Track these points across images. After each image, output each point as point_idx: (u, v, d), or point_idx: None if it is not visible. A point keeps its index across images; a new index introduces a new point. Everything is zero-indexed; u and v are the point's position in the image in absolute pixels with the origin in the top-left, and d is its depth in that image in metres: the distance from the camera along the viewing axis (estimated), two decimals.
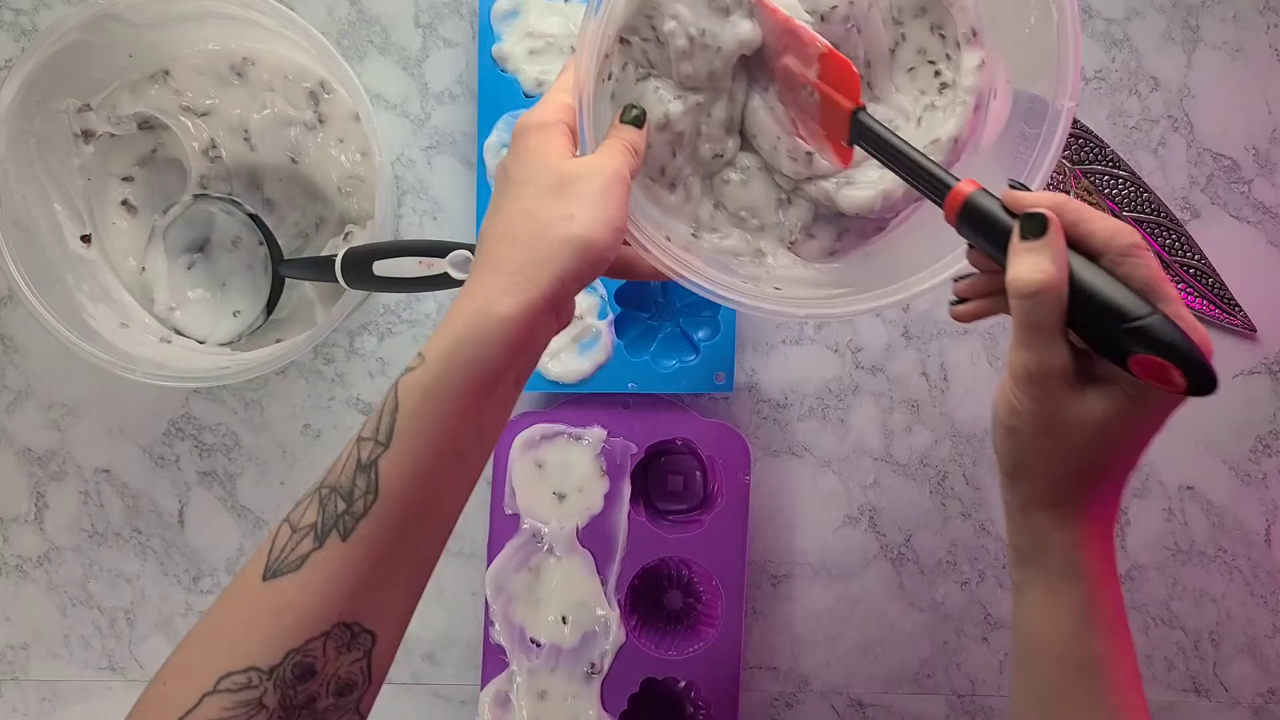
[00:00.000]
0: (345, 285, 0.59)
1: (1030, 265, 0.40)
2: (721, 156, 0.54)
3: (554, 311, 0.43)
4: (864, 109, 0.49)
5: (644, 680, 0.69)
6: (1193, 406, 0.75)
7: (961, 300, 0.47)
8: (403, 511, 0.40)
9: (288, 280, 0.69)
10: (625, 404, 0.70)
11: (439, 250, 0.56)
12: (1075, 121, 0.73)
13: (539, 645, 0.68)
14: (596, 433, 0.69)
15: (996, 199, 0.43)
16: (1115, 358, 0.39)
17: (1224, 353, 0.74)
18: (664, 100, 0.52)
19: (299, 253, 0.70)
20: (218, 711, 0.37)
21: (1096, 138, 0.73)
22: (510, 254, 0.42)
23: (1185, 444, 0.74)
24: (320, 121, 0.70)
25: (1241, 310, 0.73)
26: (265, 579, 0.39)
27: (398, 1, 0.73)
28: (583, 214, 0.42)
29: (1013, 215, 0.42)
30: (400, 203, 0.74)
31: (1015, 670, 0.44)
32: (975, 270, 0.46)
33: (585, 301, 0.69)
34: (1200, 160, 0.74)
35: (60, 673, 0.74)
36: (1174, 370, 0.38)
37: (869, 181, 0.54)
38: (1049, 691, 0.43)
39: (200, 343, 0.69)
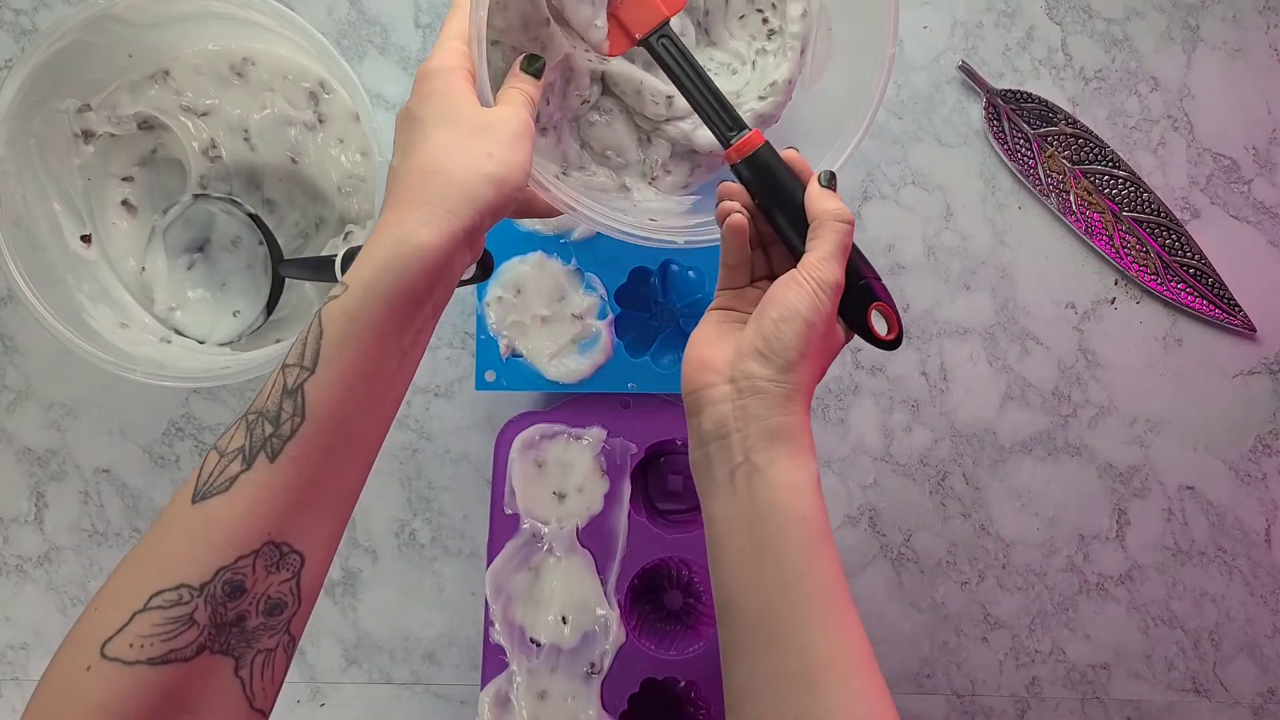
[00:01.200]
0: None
1: (840, 205, 0.49)
2: (588, 102, 0.58)
3: (469, 243, 0.45)
4: (666, 23, 0.54)
5: (644, 680, 0.69)
6: (1193, 407, 0.75)
7: (733, 211, 0.52)
8: (329, 434, 0.41)
9: (288, 280, 0.69)
10: (625, 404, 0.70)
11: None
12: (1075, 121, 0.73)
13: (539, 645, 0.68)
14: (596, 433, 0.69)
15: (777, 153, 0.51)
16: (854, 303, 0.50)
17: (1224, 353, 0.74)
18: (550, 50, 0.55)
19: (299, 253, 0.70)
20: (149, 628, 0.37)
21: (1096, 138, 0.73)
22: (430, 188, 0.44)
23: (1185, 444, 0.74)
24: (320, 121, 0.70)
25: (1241, 310, 0.73)
26: (195, 501, 0.40)
27: (398, 1, 0.73)
28: (500, 154, 0.46)
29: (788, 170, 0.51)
30: None
31: (740, 546, 0.47)
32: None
33: (585, 301, 0.69)
34: (1200, 160, 0.74)
35: None
36: (893, 315, 0.50)
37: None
38: (792, 550, 0.45)
39: (200, 343, 0.69)
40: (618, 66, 0.58)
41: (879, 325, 0.51)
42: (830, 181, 0.50)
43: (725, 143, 0.51)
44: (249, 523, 0.39)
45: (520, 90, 0.50)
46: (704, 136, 0.59)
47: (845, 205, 0.49)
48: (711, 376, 0.48)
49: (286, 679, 0.75)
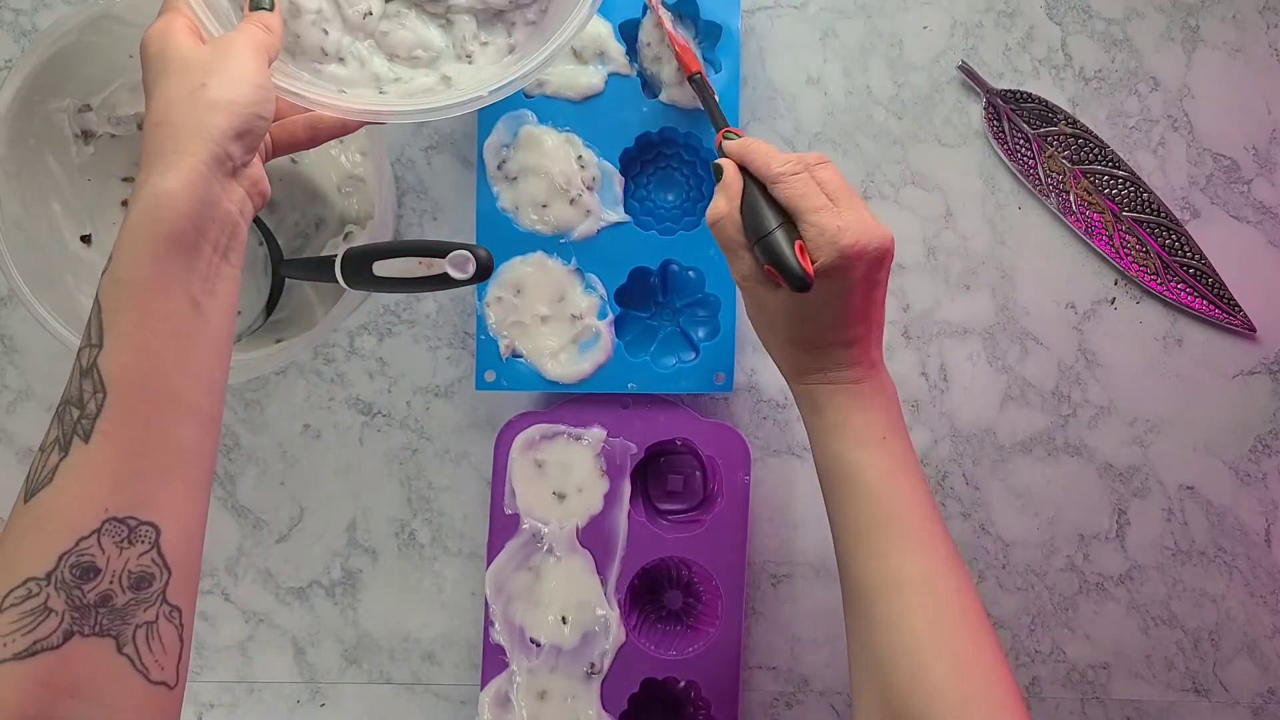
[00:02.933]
0: (345, 285, 0.59)
1: (713, 204, 0.54)
2: (372, 13, 0.57)
3: (226, 174, 0.45)
4: (699, 74, 0.66)
5: (644, 680, 0.69)
6: (1193, 407, 0.75)
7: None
8: (137, 399, 0.41)
9: (288, 280, 0.69)
10: (625, 404, 0.70)
11: (439, 250, 0.56)
12: (1075, 121, 0.73)
13: (539, 645, 0.68)
14: (596, 433, 0.69)
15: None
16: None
17: (1224, 352, 0.74)
18: None
19: (299, 253, 0.70)
20: (8, 626, 0.38)
21: (1096, 138, 0.73)
22: (160, 138, 0.44)
23: (1185, 444, 0.74)
24: None
25: (1241, 310, 0.73)
26: (26, 501, 0.40)
27: None
28: (214, 80, 0.45)
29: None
30: (400, 203, 0.74)
31: (823, 496, 0.55)
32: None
33: (585, 301, 0.69)
34: (1200, 160, 0.74)
35: None
36: (777, 275, 0.51)
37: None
38: (830, 500, 0.56)
39: None
40: None
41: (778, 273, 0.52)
42: (717, 177, 0.55)
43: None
44: (81, 504, 0.40)
45: (243, 23, 0.50)
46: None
47: (723, 197, 0.54)
48: None
49: (287, 679, 0.75)
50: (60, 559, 0.39)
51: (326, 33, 0.54)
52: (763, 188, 0.53)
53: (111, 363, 0.41)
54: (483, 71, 0.58)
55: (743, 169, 0.55)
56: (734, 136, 0.57)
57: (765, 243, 0.51)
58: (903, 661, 0.47)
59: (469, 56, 0.58)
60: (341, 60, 0.55)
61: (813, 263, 0.51)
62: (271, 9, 0.51)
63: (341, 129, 0.56)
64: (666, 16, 0.68)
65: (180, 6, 0.49)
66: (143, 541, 0.40)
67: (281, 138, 0.55)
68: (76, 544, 0.39)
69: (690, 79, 0.66)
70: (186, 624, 0.42)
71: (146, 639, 0.40)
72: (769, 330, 0.55)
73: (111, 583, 0.39)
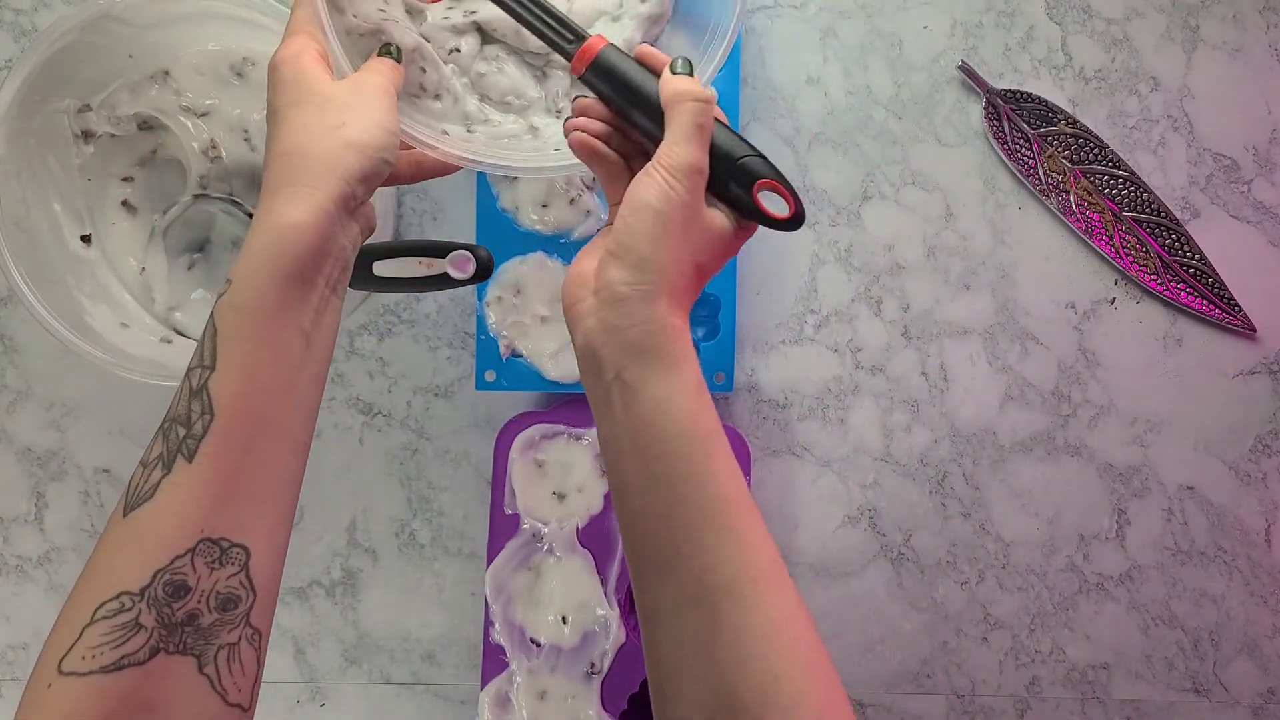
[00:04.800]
0: None
1: (692, 83, 0.47)
2: (460, 50, 0.58)
3: (347, 213, 0.45)
4: None
5: (644, 680, 0.69)
6: (1193, 407, 0.75)
7: (582, 131, 0.50)
8: (242, 425, 0.42)
9: None
10: None
11: (439, 250, 0.56)
12: (1075, 121, 0.73)
13: (539, 645, 0.68)
14: (596, 433, 0.69)
15: (626, 54, 0.49)
16: (730, 187, 0.48)
17: (1224, 353, 0.74)
18: (401, 27, 0.54)
19: None
20: (98, 639, 0.38)
21: (1096, 138, 0.73)
22: (291, 169, 0.44)
23: (1185, 444, 0.74)
24: None
25: (1241, 310, 0.73)
26: (125, 515, 0.40)
27: None
28: (353, 120, 0.46)
29: (642, 65, 0.49)
30: (400, 203, 0.74)
31: (627, 469, 0.45)
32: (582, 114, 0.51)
33: None
34: (1200, 160, 0.74)
35: None
36: (785, 195, 0.47)
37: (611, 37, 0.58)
38: (677, 469, 0.44)
39: None
40: (487, 12, 0.57)
41: (771, 205, 0.47)
42: (686, 68, 0.48)
43: (567, 57, 0.50)
44: (178, 523, 0.40)
45: (374, 63, 0.50)
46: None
47: (704, 88, 0.47)
48: (580, 291, 0.46)
49: (287, 679, 0.75)
50: (155, 575, 0.39)
51: (424, 71, 0.55)
52: None
53: (222, 387, 0.42)
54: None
55: None
56: (682, 67, 0.49)
57: (762, 163, 0.48)
58: (753, 668, 0.41)
59: (559, 112, 0.60)
60: (438, 96, 0.57)
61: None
62: (399, 61, 0.52)
63: (443, 170, 0.56)
64: None
65: (313, 33, 0.49)
66: (233, 563, 0.41)
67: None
68: (171, 562, 0.39)
69: None
70: (264, 648, 0.42)
71: (228, 660, 0.40)
72: (681, 238, 0.46)
73: (199, 602, 0.40)
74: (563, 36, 0.51)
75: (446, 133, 0.55)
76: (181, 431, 0.41)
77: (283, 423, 0.43)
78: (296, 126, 0.45)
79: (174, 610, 0.39)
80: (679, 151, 0.46)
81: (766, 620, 0.42)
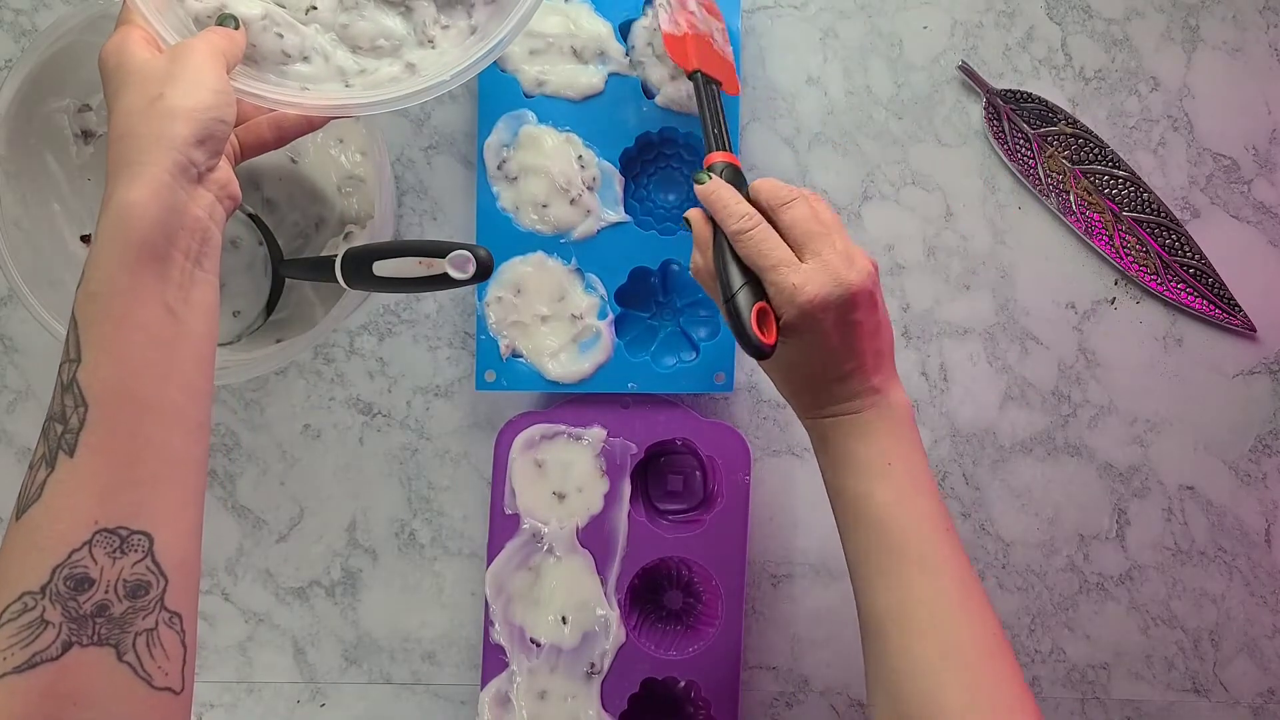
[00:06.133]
0: (345, 285, 0.59)
1: (692, 257, 0.57)
2: (316, 8, 0.57)
3: (191, 181, 0.45)
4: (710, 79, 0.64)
5: (644, 680, 0.69)
6: (1193, 407, 0.75)
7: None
8: (118, 411, 0.41)
9: (288, 280, 0.69)
10: (625, 404, 0.70)
11: (439, 250, 0.56)
12: (1075, 121, 0.73)
13: (539, 645, 0.68)
14: (596, 433, 0.69)
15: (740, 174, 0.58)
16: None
17: (1224, 352, 0.74)
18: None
19: (299, 253, 0.70)
20: (5, 641, 0.38)
21: (1096, 138, 0.73)
22: (123, 150, 0.44)
23: (1185, 444, 0.74)
24: None
25: (1241, 310, 0.73)
26: (17, 519, 0.41)
27: None
28: (171, 88, 0.45)
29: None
30: (400, 203, 0.74)
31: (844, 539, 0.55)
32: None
33: (585, 301, 0.69)
34: (1200, 160, 0.74)
35: None
36: (773, 323, 0.52)
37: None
38: (843, 529, 0.56)
39: None
40: None
41: (761, 326, 0.51)
42: (686, 225, 0.57)
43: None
44: (70, 517, 0.40)
45: (203, 33, 0.49)
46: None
47: (696, 250, 0.56)
48: None
49: (287, 679, 0.75)
50: (53, 572, 0.39)
51: (281, 36, 0.54)
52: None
53: (91, 376, 0.41)
54: (446, 55, 0.58)
55: None
56: (705, 178, 0.56)
57: (728, 308, 0.52)
58: (914, 688, 0.48)
59: (431, 42, 0.58)
60: (306, 59, 0.56)
61: (778, 319, 0.52)
62: (236, 28, 0.51)
63: (308, 126, 0.56)
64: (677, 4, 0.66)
65: (135, 19, 0.49)
66: (136, 550, 0.41)
67: (249, 139, 0.55)
68: (69, 556, 0.39)
69: (691, 76, 0.63)
70: (189, 629, 0.42)
71: (148, 646, 0.40)
72: (770, 373, 0.56)
73: (107, 592, 0.40)
74: (710, 140, 0.60)
75: (307, 87, 0.55)
76: (59, 428, 0.41)
77: (165, 402, 0.43)
78: (122, 110, 0.45)
79: (80, 603, 0.39)
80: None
81: (925, 645, 0.49)
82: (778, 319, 0.52)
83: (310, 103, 0.52)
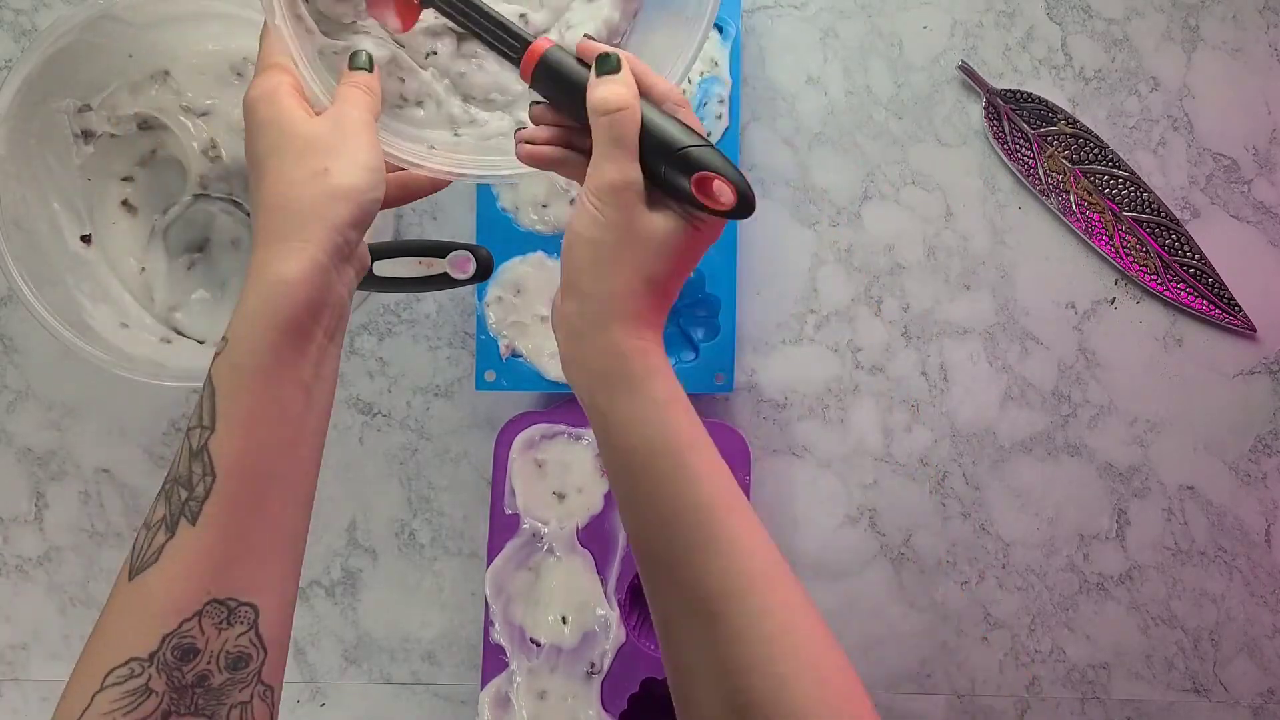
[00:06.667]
0: None
1: (610, 90, 0.45)
2: (436, 53, 0.56)
3: (342, 261, 0.44)
4: None
5: (644, 680, 0.69)
6: (1193, 407, 0.75)
7: (530, 143, 0.49)
8: (245, 485, 0.41)
9: None
10: None
11: (439, 250, 0.56)
12: (1075, 121, 0.73)
13: (539, 645, 0.68)
14: None
15: (569, 53, 0.47)
16: (674, 182, 0.45)
17: (1224, 352, 0.74)
18: (374, 39, 0.53)
19: None
20: (109, 705, 0.38)
21: (1096, 137, 0.73)
22: (280, 223, 0.43)
23: (1185, 444, 0.74)
24: None
25: (1241, 310, 0.73)
26: (131, 579, 0.41)
27: None
28: (335, 165, 0.44)
29: (585, 64, 0.46)
30: None
31: (617, 489, 0.46)
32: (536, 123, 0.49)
33: None
34: (1200, 160, 0.74)
35: (60, 673, 0.74)
36: (726, 184, 0.44)
37: (584, 21, 0.56)
38: (655, 486, 0.44)
39: (200, 343, 0.69)
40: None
41: (718, 195, 0.44)
42: (610, 66, 0.45)
43: (516, 66, 0.48)
44: (185, 586, 0.40)
45: (349, 88, 0.48)
46: (575, 35, 0.55)
47: (622, 84, 0.44)
48: (556, 327, 0.47)
49: (287, 679, 0.75)
50: (164, 640, 0.39)
51: (403, 80, 0.54)
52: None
53: (222, 448, 0.41)
54: None
55: None
56: (614, 58, 0.46)
57: (702, 152, 0.44)
58: (759, 674, 0.41)
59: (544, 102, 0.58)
60: (420, 104, 0.55)
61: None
62: (371, 69, 0.49)
63: (432, 187, 0.54)
64: None
65: (285, 65, 0.47)
66: (242, 622, 0.41)
67: None
68: (180, 625, 0.39)
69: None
70: (276, 702, 0.42)
71: (240, 718, 0.40)
72: (617, 254, 0.45)
73: (209, 663, 0.40)
74: (507, 44, 0.49)
75: (433, 147, 0.54)
76: (184, 494, 0.41)
77: (286, 479, 0.43)
78: (280, 177, 0.44)
79: (184, 673, 0.39)
80: (599, 171, 0.44)
81: (768, 625, 0.42)
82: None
83: (436, 167, 0.50)
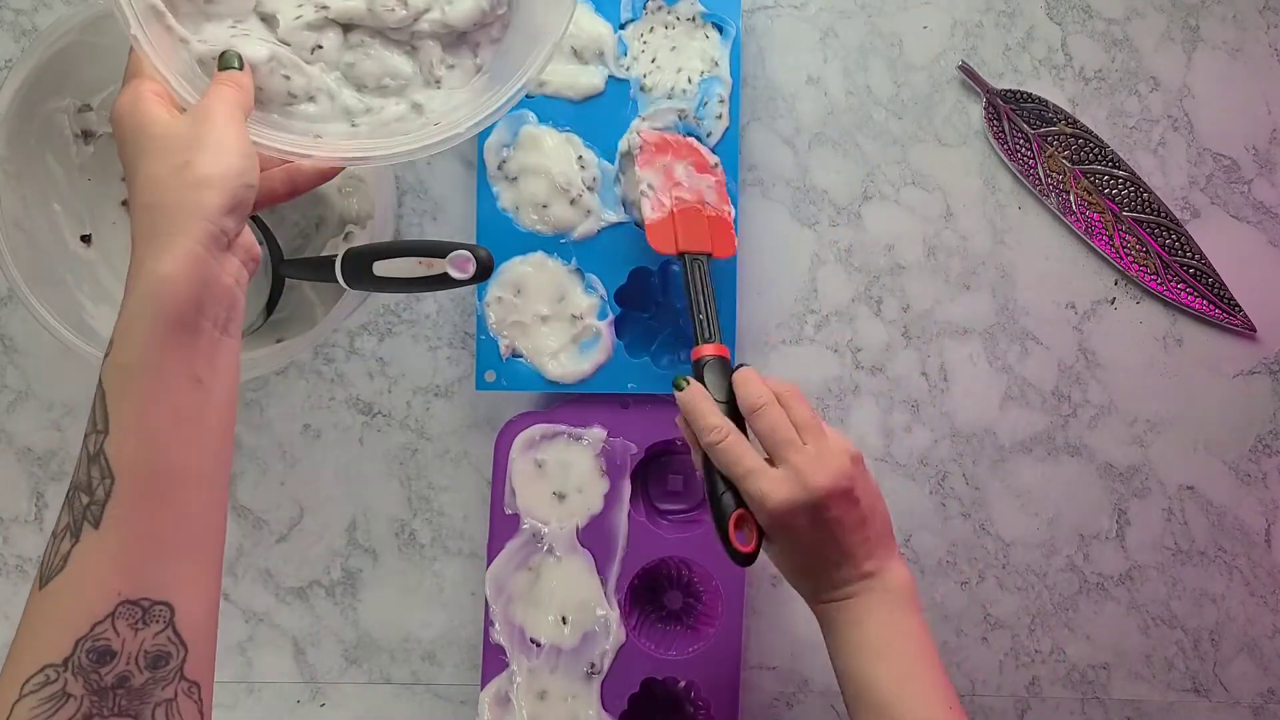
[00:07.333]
0: (345, 285, 0.59)
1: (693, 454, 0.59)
2: (321, 47, 0.56)
3: (220, 251, 0.44)
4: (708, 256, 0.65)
5: (644, 680, 0.69)
6: (1193, 407, 0.75)
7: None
8: (146, 484, 0.41)
9: (288, 280, 0.69)
10: (625, 404, 0.70)
11: (439, 250, 0.56)
12: (1075, 121, 0.73)
13: (539, 645, 0.68)
14: (596, 433, 0.69)
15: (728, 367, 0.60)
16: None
17: (1224, 352, 0.74)
18: (253, 40, 0.52)
19: (299, 253, 0.70)
20: (27, 713, 0.38)
21: (1096, 138, 0.73)
22: (152, 220, 0.43)
23: (1185, 444, 0.74)
24: None
25: (1241, 310, 0.73)
26: (41, 588, 0.41)
27: None
28: (198, 156, 0.44)
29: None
30: (400, 203, 0.74)
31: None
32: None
33: (585, 302, 0.69)
34: (1200, 160, 0.74)
35: None
36: (756, 532, 0.55)
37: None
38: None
39: None
40: (339, 3, 0.55)
41: (739, 537, 0.54)
42: (689, 384, 0.59)
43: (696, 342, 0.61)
44: (94, 590, 0.40)
45: (215, 85, 0.48)
46: (457, 12, 0.57)
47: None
48: None
49: (287, 679, 0.75)
50: (76, 644, 0.39)
51: (288, 78, 0.53)
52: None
53: (117, 449, 0.41)
54: (454, 96, 0.58)
55: None
56: (683, 384, 0.58)
57: (713, 512, 0.55)
58: None
59: (437, 81, 0.58)
60: (312, 99, 0.55)
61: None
62: (241, 68, 0.49)
63: (320, 177, 0.55)
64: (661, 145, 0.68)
65: (148, 72, 0.47)
66: (157, 621, 0.41)
67: (261, 192, 0.53)
68: (91, 629, 0.40)
69: (682, 259, 0.65)
70: (206, 699, 0.42)
71: (166, 716, 0.41)
72: (774, 564, 0.58)
73: (128, 664, 0.40)
74: (700, 329, 0.61)
75: (320, 135, 0.54)
76: (85, 499, 0.41)
77: (191, 473, 0.43)
78: (147, 177, 0.44)
79: (101, 675, 0.39)
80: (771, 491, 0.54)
81: None
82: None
83: (325, 154, 0.51)
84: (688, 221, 0.65)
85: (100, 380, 0.43)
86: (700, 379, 0.58)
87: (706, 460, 0.56)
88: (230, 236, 0.45)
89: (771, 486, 0.53)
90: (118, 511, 0.41)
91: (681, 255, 0.64)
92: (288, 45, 0.54)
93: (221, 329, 0.44)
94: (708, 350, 0.59)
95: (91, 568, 0.40)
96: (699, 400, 0.57)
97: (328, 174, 0.54)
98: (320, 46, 0.55)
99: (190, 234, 0.43)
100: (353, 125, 0.56)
